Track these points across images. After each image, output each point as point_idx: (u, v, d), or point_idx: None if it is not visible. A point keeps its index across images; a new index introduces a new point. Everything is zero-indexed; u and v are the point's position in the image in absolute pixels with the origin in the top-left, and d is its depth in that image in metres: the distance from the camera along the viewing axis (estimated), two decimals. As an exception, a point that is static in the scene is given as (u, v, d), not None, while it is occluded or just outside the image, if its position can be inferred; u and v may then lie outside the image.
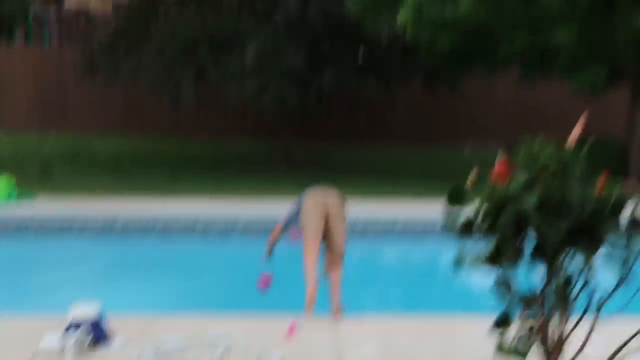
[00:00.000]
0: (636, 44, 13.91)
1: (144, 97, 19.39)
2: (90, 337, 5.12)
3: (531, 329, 3.48)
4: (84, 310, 5.26)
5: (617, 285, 3.46)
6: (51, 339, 5.20)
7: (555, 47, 13.60)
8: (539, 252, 3.42)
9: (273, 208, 10.30)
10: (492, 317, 3.48)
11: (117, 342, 5.26)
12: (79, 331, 5.07)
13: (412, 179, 15.56)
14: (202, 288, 8.33)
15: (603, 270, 3.45)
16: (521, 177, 3.35)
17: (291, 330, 5.53)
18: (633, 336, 3.49)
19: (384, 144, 20.31)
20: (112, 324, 5.34)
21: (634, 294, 3.66)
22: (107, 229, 10.83)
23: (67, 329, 5.17)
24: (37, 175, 14.89)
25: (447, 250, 3.83)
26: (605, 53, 14.01)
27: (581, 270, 3.43)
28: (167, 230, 10.82)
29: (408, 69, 17.27)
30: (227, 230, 10.77)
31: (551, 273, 3.43)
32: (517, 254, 3.42)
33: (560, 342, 3.50)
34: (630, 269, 3.42)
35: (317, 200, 6.41)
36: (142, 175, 15.72)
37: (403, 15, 13.63)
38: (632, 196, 3.18)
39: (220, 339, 5.30)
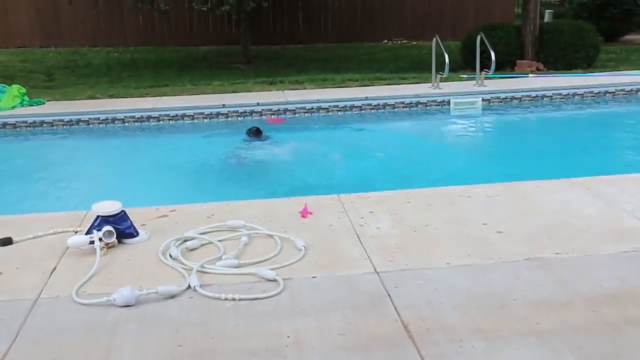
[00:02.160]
0: None
1: (124, 13, 19.32)
2: (115, 233, 3.89)
3: None
4: (107, 206, 4.00)
5: None
6: (77, 237, 4.23)
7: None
8: None
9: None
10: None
11: (142, 236, 4.06)
12: (104, 228, 3.83)
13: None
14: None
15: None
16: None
17: (305, 211, 4.38)
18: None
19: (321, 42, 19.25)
20: (135, 218, 4.10)
21: None
22: (110, 125, 9.33)
23: (92, 226, 3.92)
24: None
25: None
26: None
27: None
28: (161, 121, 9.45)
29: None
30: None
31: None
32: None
33: None
34: None
35: None
36: (130, 77, 13.97)
37: None
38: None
39: (239, 228, 4.14)
